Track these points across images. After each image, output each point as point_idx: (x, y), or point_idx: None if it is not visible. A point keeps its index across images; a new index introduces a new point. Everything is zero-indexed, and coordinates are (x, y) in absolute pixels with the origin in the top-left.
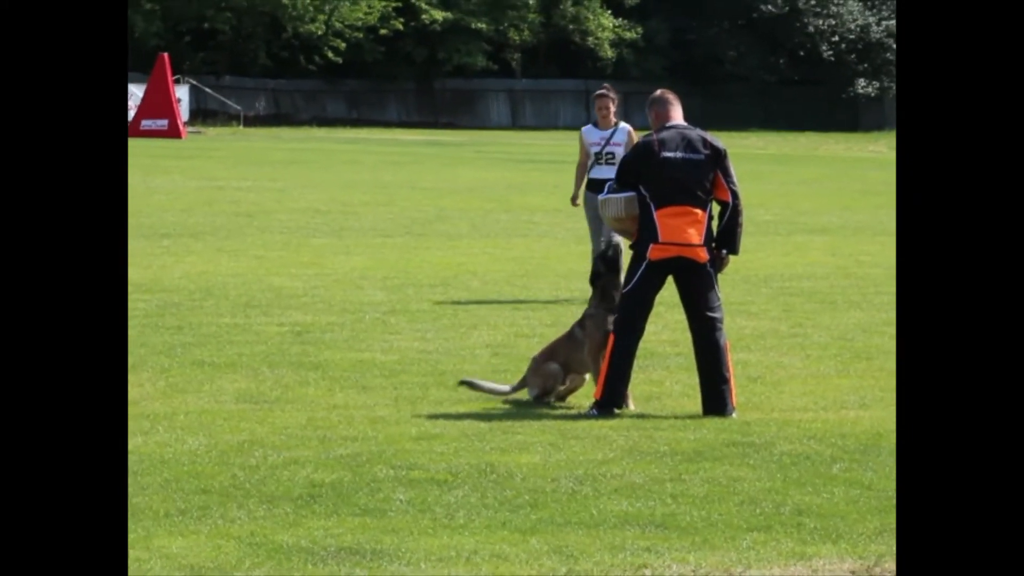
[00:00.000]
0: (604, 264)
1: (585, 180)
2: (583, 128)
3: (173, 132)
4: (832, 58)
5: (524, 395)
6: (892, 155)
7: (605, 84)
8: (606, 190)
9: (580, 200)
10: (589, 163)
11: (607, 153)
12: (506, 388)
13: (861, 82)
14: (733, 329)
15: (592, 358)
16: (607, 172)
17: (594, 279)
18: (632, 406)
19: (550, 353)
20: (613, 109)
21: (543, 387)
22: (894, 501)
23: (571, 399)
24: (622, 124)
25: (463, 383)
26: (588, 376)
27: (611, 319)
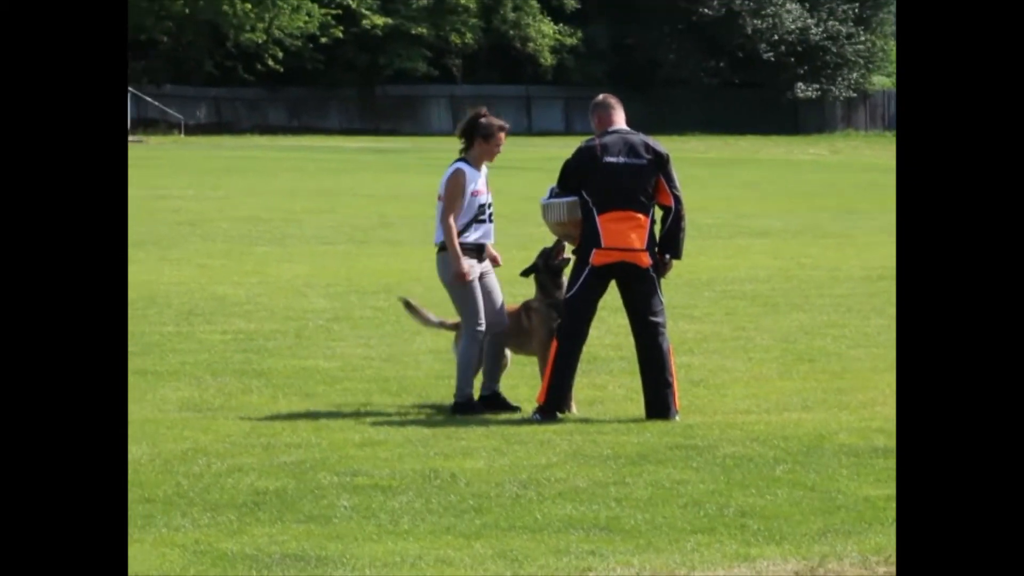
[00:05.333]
0: (544, 262)
1: None
2: None
3: None
4: (772, 59)
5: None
6: (832, 158)
7: None
8: (548, 194)
9: None
10: None
11: None
12: (435, 320)
13: (800, 85)
14: (676, 333)
15: (540, 351)
16: None
17: (529, 272)
18: (575, 410)
19: None
20: None
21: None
22: (837, 502)
23: (514, 400)
24: None
25: (403, 302)
26: (510, 355)
27: (554, 315)
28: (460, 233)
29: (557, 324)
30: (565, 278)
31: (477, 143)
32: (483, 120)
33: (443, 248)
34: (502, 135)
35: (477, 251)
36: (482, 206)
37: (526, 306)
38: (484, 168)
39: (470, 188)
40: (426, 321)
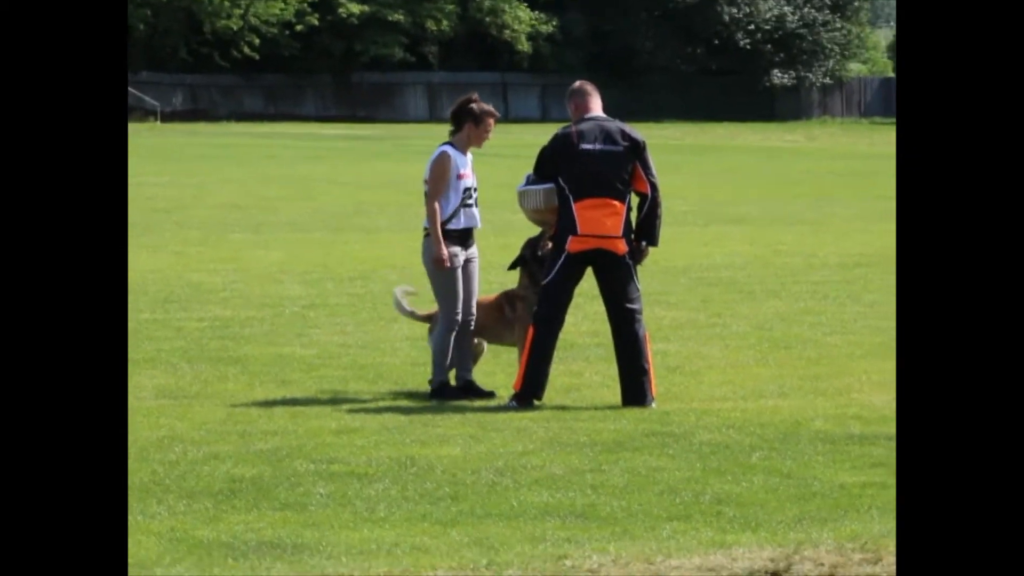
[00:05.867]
0: (531, 251)
1: None
2: None
3: None
4: (748, 46)
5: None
6: (809, 144)
7: None
8: (524, 181)
9: None
10: None
11: None
12: (408, 309)
13: (777, 72)
14: (652, 319)
15: (521, 340)
16: None
17: (516, 264)
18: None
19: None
20: None
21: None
22: (813, 489)
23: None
24: None
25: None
26: (486, 345)
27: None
28: (448, 220)
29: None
30: None
31: (467, 127)
32: (474, 105)
33: (429, 233)
34: (491, 121)
35: (464, 238)
36: (467, 190)
37: (509, 296)
38: (469, 154)
39: (456, 171)
40: (398, 307)
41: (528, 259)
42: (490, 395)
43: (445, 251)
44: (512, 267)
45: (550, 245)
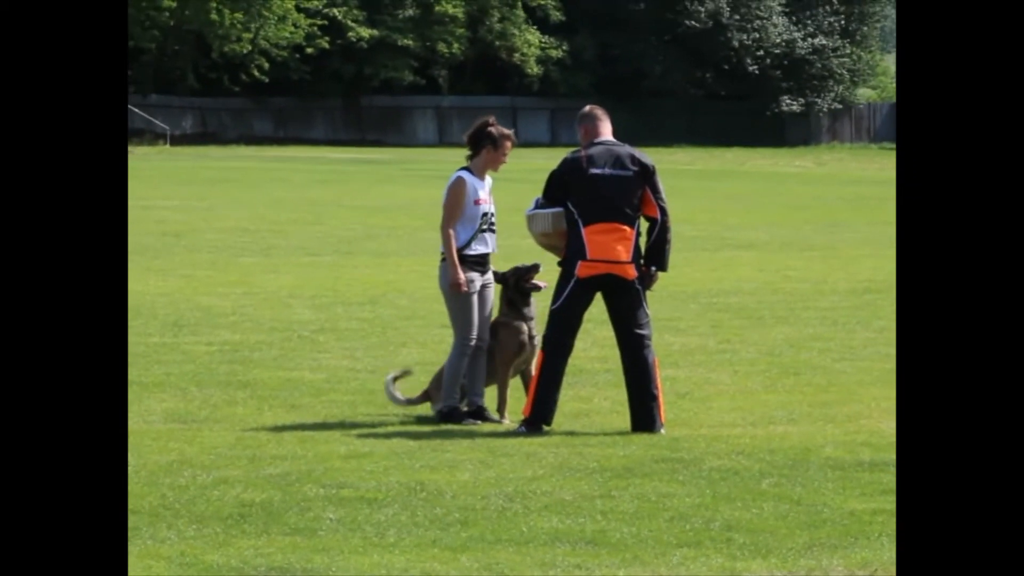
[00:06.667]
0: (515, 278)
1: None
2: None
3: None
4: (757, 72)
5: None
6: (818, 170)
7: None
8: (533, 205)
9: None
10: None
11: None
12: (403, 399)
13: (786, 99)
14: (661, 345)
15: (503, 367)
16: None
17: (498, 280)
18: (507, 420)
19: None
20: None
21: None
22: (823, 516)
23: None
24: None
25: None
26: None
27: (523, 327)
28: (465, 245)
29: (526, 339)
30: (533, 300)
31: (486, 150)
32: (493, 128)
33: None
34: (508, 144)
35: (481, 263)
36: (484, 215)
37: (493, 326)
38: (488, 178)
39: (472, 197)
40: (392, 398)
41: (511, 285)
42: (499, 420)
43: (462, 275)
44: (498, 278)
45: (535, 283)
